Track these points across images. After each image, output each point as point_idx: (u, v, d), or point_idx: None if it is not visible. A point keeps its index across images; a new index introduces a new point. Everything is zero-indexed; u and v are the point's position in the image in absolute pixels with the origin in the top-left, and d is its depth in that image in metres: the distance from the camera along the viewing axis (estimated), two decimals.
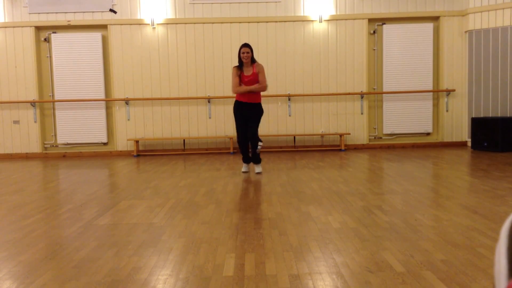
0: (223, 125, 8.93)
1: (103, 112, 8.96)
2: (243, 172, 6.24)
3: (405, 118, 9.00)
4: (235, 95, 6.05)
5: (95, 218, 3.85)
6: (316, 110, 8.94)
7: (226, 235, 3.22)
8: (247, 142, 6.02)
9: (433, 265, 2.54)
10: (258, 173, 6.11)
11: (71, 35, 8.83)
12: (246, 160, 6.20)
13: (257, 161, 6.13)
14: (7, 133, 8.95)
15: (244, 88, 5.81)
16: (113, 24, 8.78)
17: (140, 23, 8.79)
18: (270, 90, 8.76)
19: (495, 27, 8.41)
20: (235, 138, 8.83)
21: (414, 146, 9.01)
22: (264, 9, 8.76)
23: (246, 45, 5.87)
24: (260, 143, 5.97)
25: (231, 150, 8.78)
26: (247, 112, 5.90)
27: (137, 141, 8.76)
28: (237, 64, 6.01)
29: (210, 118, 8.92)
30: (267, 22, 8.76)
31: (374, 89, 9.03)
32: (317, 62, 8.87)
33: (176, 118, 8.94)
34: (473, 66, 8.72)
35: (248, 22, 8.78)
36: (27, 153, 8.96)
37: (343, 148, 8.68)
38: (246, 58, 5.79)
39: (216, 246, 2.99)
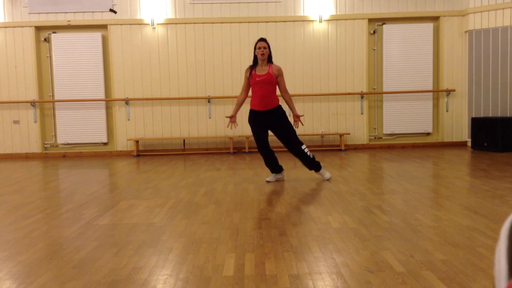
0: (223, 125, 8.93)
1: (103, 112, 8.96)
2: (268, 181, 5.41)
3: (405, 118, 9.00)
4: (237, 95, 5.61)
5: (95, 218, 3.85)
6: (316, 110, 8.94)
7: (226, 235, 3.22)
8: (269, 149, 5.22)
9: (433, 265, 2.54)
10: (328, 179, 5.36)
11: (71, 35, 8.83)
12: (274, 169, 5.38)
13: (317, 167, 5.34)
14: (7, 133, 8.95)
15: (237, 104, 5.29)
16: (113, 24, 8.78)
17: (140, 23, 8.79)
18: None
19: (495, 27, 8.41)
20: (235, 138, 8.82)
21: (414, 146, 9.01)
22: (264, 9, 8.76)
23: (263, 39, 5.15)
24: (302, 146, 5.24)
25: (231, 150, 8.78)
26: (267, 121, 5.18)
27: (137, 141, 8.76)
28: (251, 63, 5.28)
29: (210, 118, 8.92)
30: (267, 22, 8.76)
31: (374, 89, 9.03)
32: (317, 62, 8.87)
33: (176, 118, 8.94)
34: (473, 66, 8.72)
35: (248, 22, 8.78)
36: (27, 153, 8.96)
37: (343, 148, 8.68)
38: (263, 54, 5.06)
39: (216, 246, 2.99)
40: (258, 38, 5.27)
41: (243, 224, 3.52)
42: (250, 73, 5.14)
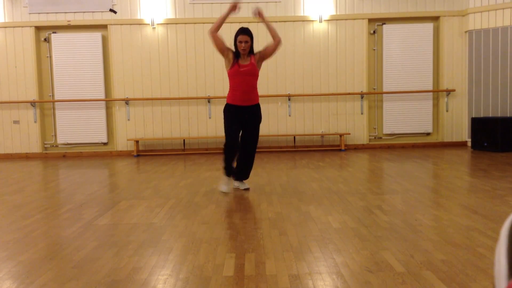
0: (223, 125, 8.92)
1: (103, 112, 8.96)
2: (224, 192, 4.68)
3: (405, 118, 9.00)
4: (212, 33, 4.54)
5: (95, 218, 3.85)
6: (316, 110, 8.94)
7: (226, 235, 3.22)
8: (238, 150, 4.67)
9: (433, 265, 2.54)
10: (246, 189, 4.91)
11: (71, 35, 8.83)
12: (230, 172, 4.72)
13: (246, 177, 4.96)
14: (7, 133, 8.95)
15: (222, 16, 4.50)
16: (113, 24, 8.78)
17: (140, 23, 8.79)
18: (270, 90, 8.76)
19: (495, 27, 8.41)
20: None
21: (414, 146, 9.01)
22: (264, 9, 8.74)
23: (245, 32, 4.50)
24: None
25: None
26: (244, 117, 4.66)
27: (137, 141, 8.76)
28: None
29: (210, 118, 8.92)
30: None
31: (374, 89, 9.03)
32: (317, 62, 8.87)
33: (176, 118, 8.94)
34: (473, 66, 8.72)
35: (248, 22, 8.77)
36: (27, 153, 8.96)
37: (343, 148, 8.68)
38: (244, 49, 4.50)
39: (216, 246, 2.99)
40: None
41: (243, 224, 3.52)
42: (234, 60, 4.53)
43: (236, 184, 4.96)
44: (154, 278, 2.47)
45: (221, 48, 4.57)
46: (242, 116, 4.64)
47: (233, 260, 2.69)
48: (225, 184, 4.67)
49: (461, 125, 9.02)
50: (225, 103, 4.74)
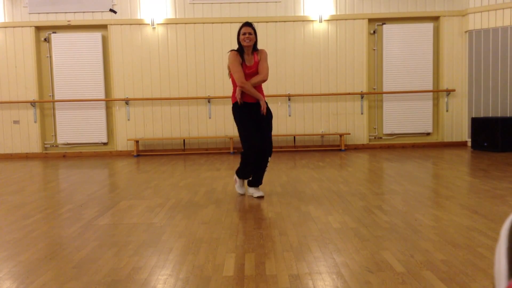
0: (223, 125, 8.93)
1: (103, 112, 8.96)
2: (242, 194, 4.65)
3: (405, 118, 9.00)
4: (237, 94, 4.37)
5: (95, 218, 3.85)
6: (316, 110, 8.94)
7: (226, 235, 3.22)
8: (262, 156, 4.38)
9: (433, 265, 2.54)
10: (260, 197, 4.55)
11: (71, 35, 8.83)
12: (247, 177, 4.60)
13: (260, 182, 4.65)
14: (7, 133, 8.95)
15: (251, 89, 4.31)
16: (113, 24, 8.78)
17: (140, 23, 8.79)
18: (270, 90, 8.75)
19: (495, 27, 8.41)
20: (235, 138, 8.80)
21: (414, 146, 9.01)
22: (264, 9, 8.76)
23: (248, 24, 4.34)
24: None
25: (231, 150, 8.78)
26: (256, 114, 4.40)
27: (137, 141, 8.76)
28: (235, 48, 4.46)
29: (210, 118, 8.92)
30: (267, 22, 8.76)
31: (374, 89, 9.03)
32: (317, 62, 8.88)
33: (176, 118, 8.94)
34: (473, 66, 8.73)
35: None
36: (27, 153, 8.96)
37: (343, 148, 8.68)
38: (248, 40, 4.27)
39: (216, 246, 2.99)
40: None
41: (243, 224, 3.52)
42: (242, 62, 4.35)
43: (251, 191, 4.59)
44: (154, 278, 2.47)
45: (242, 67, 4.36)
46: (255, 113, 4.38)
47: (233, 260, 2.69)
48: (241, 186, 4.63)
49: (461, 125, 9.02)
50: (232, 103, 4.48)
